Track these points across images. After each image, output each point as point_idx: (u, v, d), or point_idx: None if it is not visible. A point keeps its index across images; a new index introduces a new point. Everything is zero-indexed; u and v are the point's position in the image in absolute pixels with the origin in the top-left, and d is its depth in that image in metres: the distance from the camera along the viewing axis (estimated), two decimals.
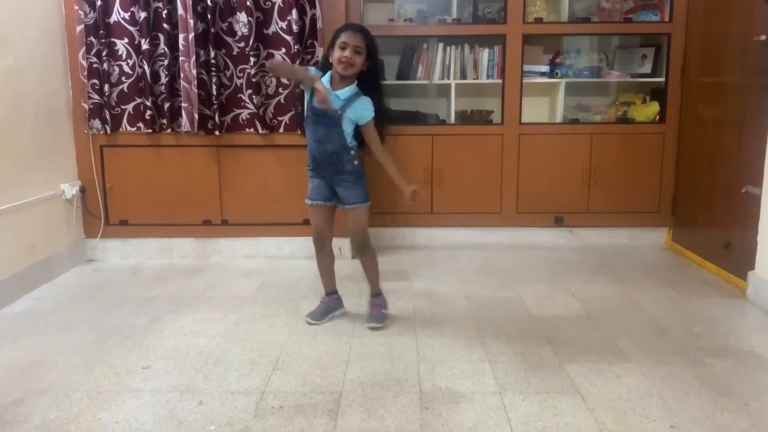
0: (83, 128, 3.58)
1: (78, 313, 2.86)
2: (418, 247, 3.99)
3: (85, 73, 3.48)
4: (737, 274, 3.14)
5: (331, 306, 2.74)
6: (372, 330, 2.59)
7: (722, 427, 1.86)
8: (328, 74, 2.46)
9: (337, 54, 2.38)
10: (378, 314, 2.65)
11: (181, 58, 3.41)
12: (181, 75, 3.43)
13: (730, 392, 2.06)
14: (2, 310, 2.91)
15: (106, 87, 3.50)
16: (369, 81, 2.49)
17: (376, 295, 2.74)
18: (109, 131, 3.57)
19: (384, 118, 2.56)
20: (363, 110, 2.46)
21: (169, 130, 3.56)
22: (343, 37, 2.37)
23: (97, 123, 3.55)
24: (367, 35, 2.42)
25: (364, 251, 2.66)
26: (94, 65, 3.48)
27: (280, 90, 3.55)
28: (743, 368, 2.24)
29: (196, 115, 3.46)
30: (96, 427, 1.88)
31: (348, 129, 2.47)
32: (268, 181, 3.69)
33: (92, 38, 3.45)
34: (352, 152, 2.50)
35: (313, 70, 2.48)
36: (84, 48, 3.45)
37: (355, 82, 2.47)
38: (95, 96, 3.51)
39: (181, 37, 3.38)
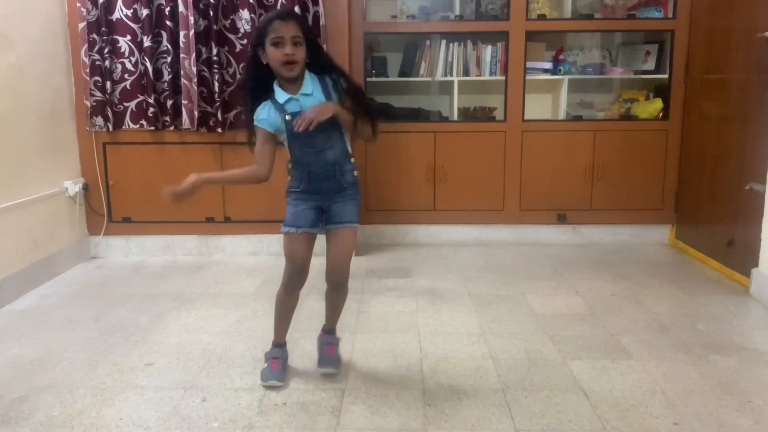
0: (86, 125, 3.59)
1: (81, 310, 2.87)
2: (421, 244, 3.99)
3: (88, 70, 3.48)
4: (741, 271, 3.13)
5: (285, 359, 2.22)
6: (325, 375, 2.17)
7: (725, 424, 1.85)
8: (276, 89, 1.98)
9: (274, 54, 1.90)
10: (334, 356, 2.22)
11: (181, 56, 3.41)
12: (182, 72, 3.43)
13: (734, 389, 2.06)
14: (6, 307, 2.92)
15: (108, 84, 3.50)
16: (313, 61, 2.00)
17: (332, 331, 2.29)
18: (111, 128, 3.57)
19: (359, 94, 2.05)
20: (339, 85, 2.02)
21: (172, 128, 3.56)
22: (275, 31, 1.89)
23: (99, 120, 3.55)
24: (300, 19, 1.97)
25: (343, 287, 2.17)
26: (97, 62, 3.48)
27: None
28: (747, 365, 2.24)
29: (196, 113, 3.46)
30: (99, 423, 1.89)
31: (345, 131, 2.04)
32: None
33: (95, 35, 3.45)
34: (353, 159, 2.06)
35: (259, 121, 1.99)
36: (86, 45, 3.46)
37: (306, 72, 1.99)
38: (98, 93, 3.51)
39: (181, 34, 3.38)
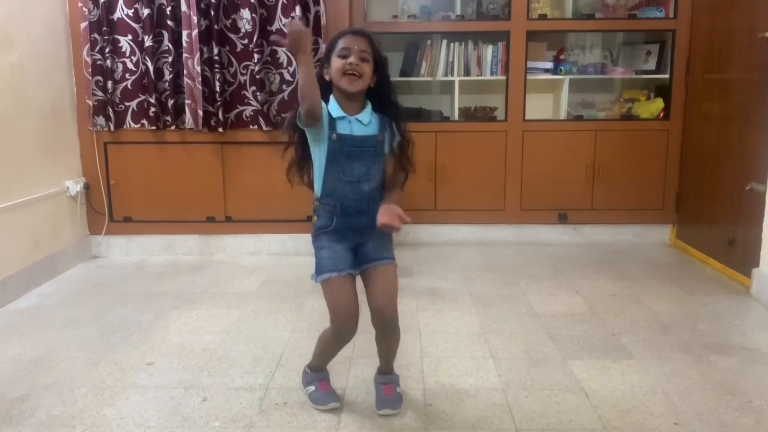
0: (87, 125, 3.59)
1: (82, 309, 2.87)
2: (422, 243, 3.99)
3: (90, 69, 3.49)
4: (741, 271, 3.13)
5: (328, 378, 2.06)
6: (385, 417, 1.92)
7: (726, 424, 1.85)
8: (331, 101, 1.83)
9: (337, 64, 1.78)
10: (393, 396, 1.96)
11: (184, 55, 3.41)
12: (185, 72, 3.43)
13: (734, 389, 2.06)
14: (7, 306, 2.92)
15: (110, 84, 3.51)
16: (381, 101, 1.88)
17: (389, 372, 2.03)
18: (113, 128, 3.57)
19: (409, 151, 1.92)
20: (390, 133, 1.89)
21: (173, 127, 3.57)
22: (343, 43, 1.80)
23: (101, 120, 3.55)
24: (373, 39, 1.85)
25: (395, 328, 1.90)
26: (98, 62, 3.48)
27: (284, 87, 3.54)
28: (747, 365, 2.24)
29: (200, 112, 3.46)
30: (100, 422, 1.89)
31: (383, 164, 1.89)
32: (272, 178, 3.69)
33: (96, 35, 3.45)
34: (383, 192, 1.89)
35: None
36: (88, 45, 3.46)
37: (369, 104, 1.87)
38: (99, 93, 3.51)
39: (184, 33, 3.38)
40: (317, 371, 2.05)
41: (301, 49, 1.66)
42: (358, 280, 1.88)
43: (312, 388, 2.01)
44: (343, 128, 1.81)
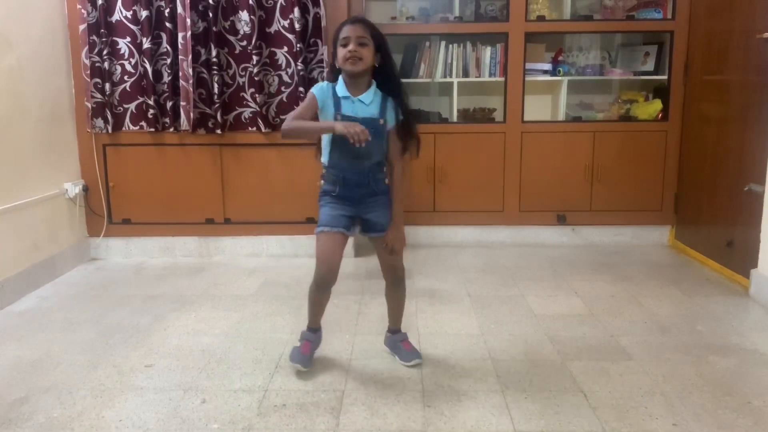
0: (86, 127, 3.59)
1: (81, 311, 2.87)
2: (421, 245, 3.99)
3: (88, 72, 3.49)
4: (740, 272, 3.14)
5: (316, 344, 2.32)
6: (414, 366, 2.24)
7: (725, 425, 1.85)
8: (340, 82, 2.09)
9: (340, 53, 2.03)
10: (413, 349, 2.30)
11: (179, 57, 3.41)
12: (180, 74, 3.43)
13: (733, 390, 2.06)
14: (6, 309, 2.92)
15: (108, 86, 3.51)
16: (384, 80, 2.12)
17: (398, 330, 2.37)
18: (111, 130, 3.57)
19: (411, 125, 2.17)
20: (393, 111, 2.13)
21: (171, 129, 3.57)
22: (343, 33, 2.04)
23: (99, 122, 3.55)
24: (370, 25, 2.07)
25: (403, 282, 2.29)
26: (97, 64, 3.48)
27: (283, 89, 3.55)
28: (746, 366, 2.24)
29: (192, 114, 3.46)
30: (99, 425, 1.89)
31: (385, 143, 2.14)
32: (271, 180, 3.69)
33: (95, 37, 3.45)
34: (385, 168, 2.16)
35: (316, 90, 2.08)
36: (87, 47, 3.46)
37: (374, 84, 2.11)
38: (98, 95, 3.51)
39: (180, 35, 3.39)
40: (310, 330, 2.30)
41: (337, 130, 1.93)
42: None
43: (297, 344, 2.29)
44: (346, 109, 2.06)
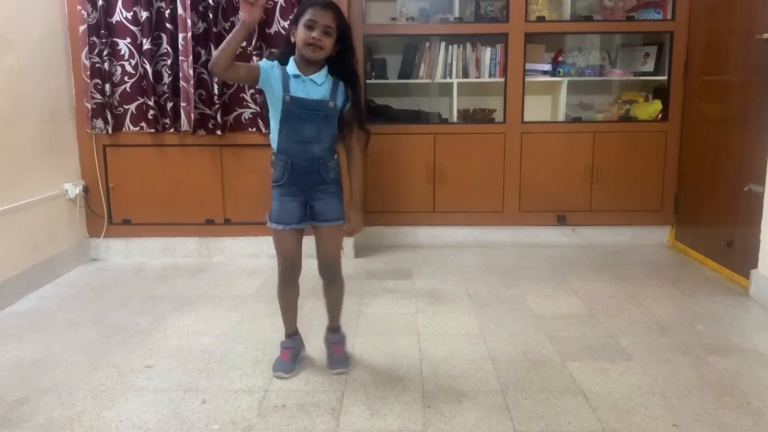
0: (86, 128, 3.59)
1: (81, 312, 2.87)
2: (421, 245, 3.99)
3: (88, 72, 3.49)
4: (740, 272, 3.14)
5: (297, 349, 2.30)
6: (337, 375, 2.20)
7: (725, 425, 1.86)
8: (291, 62, 2.03)
9: (302, 34, 1.95)
10: (342, 356, 2.27)
11: (180, 58, 3.41)
12: (181, 74, 3.43)
13: (733, 391, 2.06)
14: (6, 309, 2.92)
15: (108, 87, 3.50)
16: (339, 68, 2.06)
17: (336, 329, 2.33)
18: (111, 131, 3.57)
19: (361, 117, 2.12)
20: (345, 94, 2.08)
21: (172, 130, 3.56)
22: (310, 14, 1.95)
23: (99, 123, 3.55)
24: (338, 13, 1.99)
25: (338, 279, 2.25)
26: (97, 65, 3.48)
27: None
28: (746, 366, 2.24)
29: (193, 115, 3.46)
30: (99, 425, 1.89)
31: (336, 128, 2.09)
32: (270, 180, 3.69)
33: (95, 38, 3.45)
34: (336, 156, 2.12)
35: (263, 63, 2.04)
36: (87, 48, 3.46)
37: (325, 67, 2.04)
38: (98, 96, 3.51)
39: (180, 36, 3.39)
40: (288, 337, 2.30)
41: (248, 18, 1.86)
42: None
43: (277, 355, 2.28)
44: (296, 89, 2.00)
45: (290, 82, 2.00)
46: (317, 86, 2.02)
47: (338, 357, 2.26)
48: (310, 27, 1.95)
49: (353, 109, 2.10)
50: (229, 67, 1.95)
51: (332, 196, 2.11)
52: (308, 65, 2.01)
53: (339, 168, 2.13)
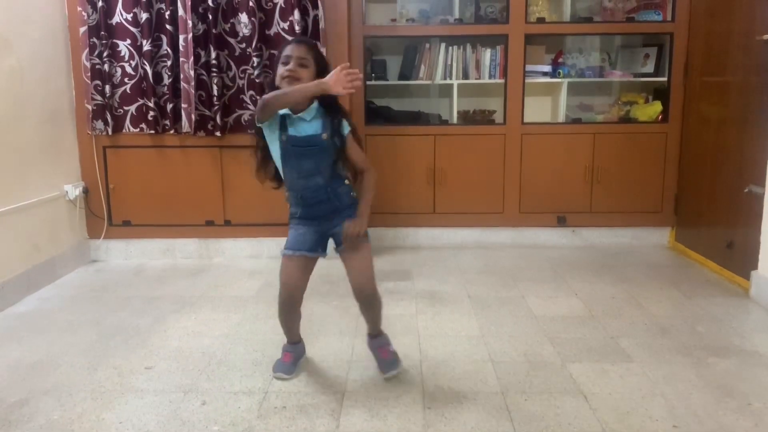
0: (86, 129, 3.59)
1: (81, 313, 2.87)
2: (421, 247, 3.99)
3: (89, 74, 3.49)
4: (740, 273, 3.14)
5: (298, 354, 2.31)
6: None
7: (725, 426, 1.85)
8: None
9: (280, 70, 2.01)
10: (391, 357, 2.22)
11: (180, 59, 3.42)
12: (181, 76, 3.44)
13: (733, 392, 2.06)
14: (6, 311, 2.92)
15: (108, 88, 3.50)
16: (326, 105, 2.07)
17: (378, 335, 2.28)
18: (111, 132, 3.57)
19: (359, 140, 2.16)
20: (342, 124, 2.10)
21: (172, 131, 3.56)
22: (286, 51, 2.02)
23: (99, 124, 3.55)
24: (313, 46, 2.07)
25: (375, 299, 2.18)
26: (97, 66, 3.48)
27: None
28: (746, 368, 2.24)
29: (194, 116, 3.46)
30: (99, 427, 1.89)
31: (333, 156, 2.08)
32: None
33: (95, 39, 3.45)
34: (347, 181, 2.12)
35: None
36: (87, 49, 3.46)
37: (315, 103, 2.05)
38: (98, 97, 3.51)
39: (181, 38, 3.39)
40: (290, 344, 2.30)
41: (339, 89, 1.89)
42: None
43: (279, 356, 2.28)
44: (290, 129, 2.04)
45: (286, 123, 2.04)
46: (307, 123, 2.04)
47: (387, 359, 2.21)
48: (285, 63, 2.00)
49: (351, 139, 2.10)
50: (268, 113, 2.00)
51: (352, 218, 2.08)
52: (296, 104, 2.01)
53: (353, 191, 2.13)
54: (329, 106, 2.07)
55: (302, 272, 2.13)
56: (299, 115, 2.03)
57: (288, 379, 2.18)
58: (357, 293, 2.14)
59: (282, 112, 2.02)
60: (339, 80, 1.87)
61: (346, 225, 2.04)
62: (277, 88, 2.01)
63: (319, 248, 2.13)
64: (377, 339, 2.27)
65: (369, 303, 2.18)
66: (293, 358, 2.26)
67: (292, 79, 1.98)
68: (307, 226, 2.11)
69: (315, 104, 2.06)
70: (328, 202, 2.08)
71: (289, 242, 2.12)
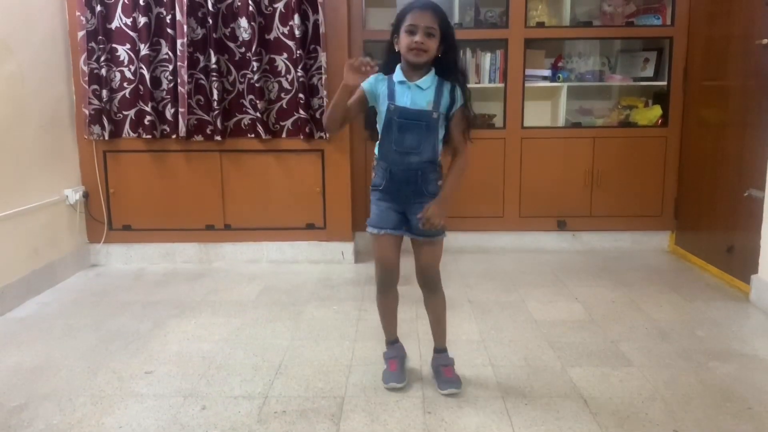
0: (84, 134, 3.59)
1: (81, 317, 2.87)
2: None
3: (86, 78, 3.49)
4: (740, 277, 3.14)
5: (402, 357, 2.26)
6: (449, 395, 2.08)
7: (725, 430, 1.85)
8: (397, 69, 2.00)
9: (405, 41, 1.92)
10: (453, 377, 2.12)
11: (178, 63, 3.42)
12: (178, 80, 3.44)
13: (734, 396, 2.06)
14: (6, 315, 2.92)
15: (106, 92, 3.49)
16: (445, 69, 2.00)
17: (443, 350, 2.22)
18: (108, 137, 3.56)
19: (470, 114, 2.05)
20: (456, 95, 2.00)
21: (173, 136, 3.56)
22: (410, 19, 1.91)
23: (97, 129, 3.54)
24: (439, 12, 1.94)
25: (438, 289, 2.17)
26: (95, 71, 3.48)
27: (282, 95, 3.55)
28: (746, 372, 2.24)
29: (189, 120, 3.46)
30: (99, 431, 1.89)
31: (441, 137, 2.03)
32: (271, 186, 3.70)
33: (93, 44, 3.45)
34: (439, 168, 2.05)
35: (365, 84, 2.00)
36: (85, 54, 3.46)
37: (432, 70, 1.99)
38: (95, 101, 3.51)
39: (178, 42, 3.39)
40: (390, 346, 2.27)
41: (347, 79, 1.88)
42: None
43: (384, 367, 2.22)
44: (401, 97, 1.98)
45: (395, 90, 1.98)
46: (422, 91, 1.97)
47: (450, 378, 2.12)
48: (411, 32, 1.91)
49: (460, 113, 2.03)
50: (342, 124, 2.04)
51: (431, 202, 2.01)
52: (414, 70, 1.98)
53: (440, 179, 2.05)
54: (447, 71, 1.99)
55: (393, 248, 2.09)
56: (416, 82, 1.96)
57: (401, 387, 2.11)
58: (421, 278, 2.13)
59: (397, 78, 1.98)
60: (350, 72, 1.86)
61: (426, 208, 1.95)
62: (396, 56, 1.99)
63: (402, 227, 2.08)
64: (443, 356, 2.20)
65: (432, 291, 2.16)
66: (399, 363, 2.20)
67: (420, 52, 1.91)
68: (389, 202, 2.05)
69: (432, 72, 1.99)
70: (415, 184, 2.01)
71: (373, 219, 2.08)
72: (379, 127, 2.03)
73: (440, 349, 2.22)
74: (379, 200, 2.07)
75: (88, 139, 3.60)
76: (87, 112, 3.53)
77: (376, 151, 2.07)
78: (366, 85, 2.00)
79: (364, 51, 3.82)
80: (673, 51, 3.80)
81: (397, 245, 2.10)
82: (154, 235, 3.76)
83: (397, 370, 2.17)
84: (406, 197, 2.03)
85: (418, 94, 1.97)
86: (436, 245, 2.09)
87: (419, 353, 2.40)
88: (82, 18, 3.43)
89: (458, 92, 2.01)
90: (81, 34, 3.46)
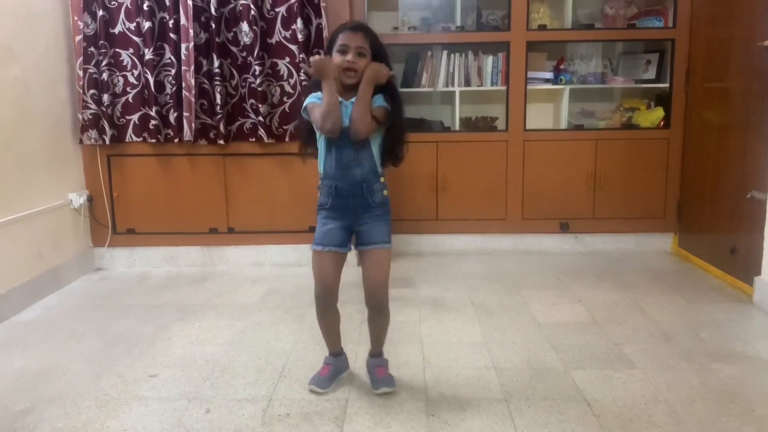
0: (84, 139, 3.57)
1: (86, 321, 2.88)
2: (424, 253, 3.99)
3: (82, 83, 3.48)
4: (743, 279, 3.13)
5: (339, 368, 2.24)
6: (383, 395, 2.12)
7: None
8: None
9: (337, 60, 1.98)
10: (386, 376, 2.17)
11: (182, 68, 3.43)
12: (183, 84, 3.45)
13: (737, 398, 2.06)
14: (11, 319, 2.93)
15: (106, 97, 3.49)
16: (378, 88, 2.03)
17: (379, 355, 2.25)
18: (108, 141, 3.56)
19: (400, 127, 2.10)
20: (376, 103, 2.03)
21: (176, 140, 3.57)
22: (342, 39, 1.98)
23: (94, 133, 3.53)
24: (370, 32, 2.01)
25: (384, 309, 2.14)
26: (94, 75, 3.48)
27: (285, 99, 3.56)
28: (750, 374, 2.24)
29: (194, 125, 3.47)
30: None
31: (376, 150, 2.08)
32: (274, 189, 3.71)
33: (92, 48, 3.45)
34: (382, 179, 2.10)
35: (310, 99, 2.04)
36: (81, 58, 3.46)
37: None
38: (93, 106, 3.51)
39: (183, 46, 3.40)
40: (330, 354, 2.25)
41: (324, 74, 1.95)
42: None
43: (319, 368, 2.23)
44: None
45: None
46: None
47: (383, 377, 2.16)
48: (343, 51, 1.97)
49: (393, 129, 2.07)
50: (340, 123, 1.97)
51: (378, 219, 2.07)
52: (347, 90, 2.01)
53: (386, 190, 2.10)
54: (380, 88, 2.02)
55: (334, 267, 2.08)
56: (351, 100, 1.99)
57: (322, 393, 2.13)
58: (367, 298, 2.11)
59: None
60: (326, 65, 1.95)
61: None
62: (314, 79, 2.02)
63: (348, 243, 2.09)
64: (377, 359, 2.24)
65: (378, 311, 2.14)
66: (331, 372, 2.20)
67: (351, 71, 1.97)
68: (335, 221, 2.07)
69: None
70: (361, 197, 2.05)
71: (318, 237, 2.08)
72: (320, 149, 2.07)
73: (376, 354, 2.25)
74: (325, 218, 2.09)
75: (93, 144, 3.59)
76: (81, 117, 3.52)
77: (320, 170, 2.09)
78: (310, 99, 2.03)
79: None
80: (675, 53, 3.80)
81: (339, 264, 2.09)
82: (158, 239, 3.77)
83: (326, 376, 2.18)
84: (354, 210, 2.06)
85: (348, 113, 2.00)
86: (383, 256, 2.07)
87: (422, 356, 2.41)
88: (80, 23, 3.44)
89: (389, 99, 2.03)
90: (78, 38, 3.46)
